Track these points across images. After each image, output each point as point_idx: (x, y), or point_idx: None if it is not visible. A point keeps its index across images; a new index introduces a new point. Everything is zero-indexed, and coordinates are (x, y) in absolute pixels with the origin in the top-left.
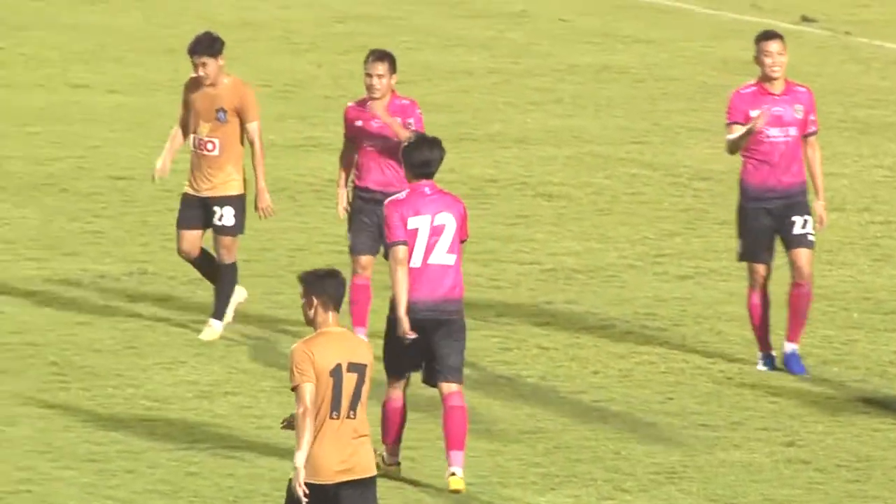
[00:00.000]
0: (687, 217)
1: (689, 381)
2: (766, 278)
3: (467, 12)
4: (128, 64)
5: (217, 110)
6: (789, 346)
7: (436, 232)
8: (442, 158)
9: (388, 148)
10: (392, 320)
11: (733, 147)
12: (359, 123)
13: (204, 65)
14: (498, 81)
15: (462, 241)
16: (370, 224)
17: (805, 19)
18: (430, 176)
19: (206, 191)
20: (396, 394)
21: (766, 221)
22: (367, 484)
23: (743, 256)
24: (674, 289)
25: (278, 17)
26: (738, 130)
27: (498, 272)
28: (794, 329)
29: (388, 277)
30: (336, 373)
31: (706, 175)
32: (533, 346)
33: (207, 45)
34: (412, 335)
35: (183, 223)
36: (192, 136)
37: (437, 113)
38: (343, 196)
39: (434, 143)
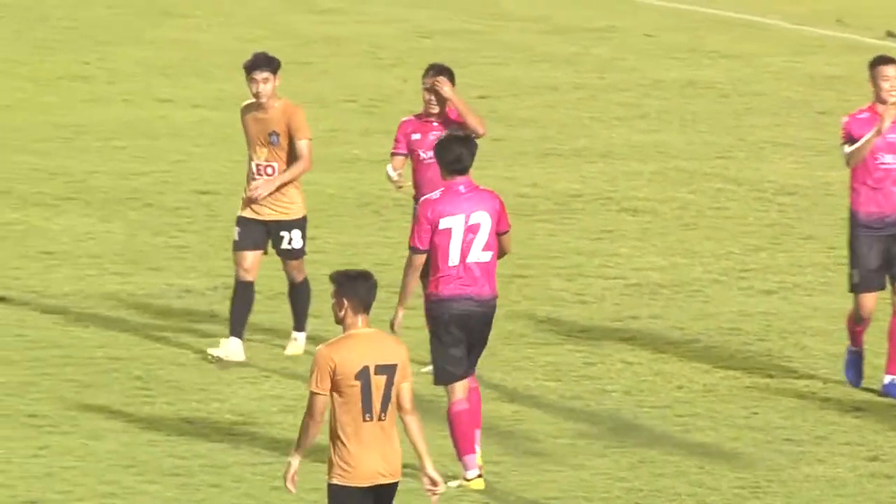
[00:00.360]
0: (772, 232)
1: (773, 396)
2: (873, 310)
3: (553, 28)
4: (211, 79)
5: (270, 134)
6: (888, 378)
7: (471, 230)
8: (474, 154)
9: None
10: (435, 333)
11: (857, 156)
12: (416, 136)
13: (266, 80)
14: (583, 97)
15: (503, 233)
16: None
17: (890, 35)
18: (463, 172)
19: (269, 216)
20: (458, 397)
21: (879, 249)
22: (394, 488)
23: (857, 287)
24: (758, 304)
25: (364, 32)
26: (858, 142)
27: (583, 287)
28: (895, 360)
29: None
30: (363, 375)
31: (791, 190)
32: (617, 361)
33: (267, 62)
34: (398, 329)
35: (246, 245)
36: (250, 162)
37: (522, 128)
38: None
39: (465, 140)
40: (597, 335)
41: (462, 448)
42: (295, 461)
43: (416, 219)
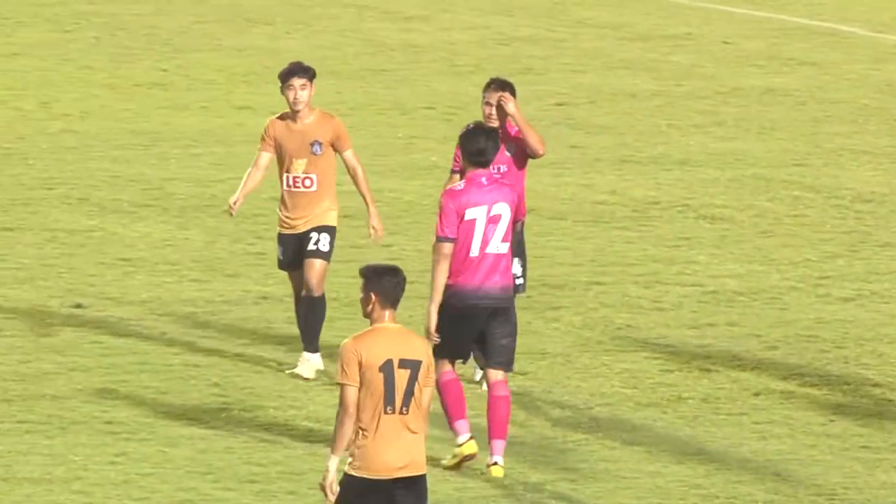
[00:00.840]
0: (849, 239)
1: (850, 403)
2: None
3: (631, 35)
4: None
5: (311, 144)
6: None
7: (492, 221)
8: (497, 148)
9: (512, 177)
10: (447, 318)
11: None
12: None
13: (303, 87)
14: (661, 104)
15: (518, 221)
16: None
17: None
18: (485, 165)
19: (305, 226)
20: (447, 369)
21: None
22: (420, 482)
23: None
24: (836, 311)
25: (442, 39)
26: None
27: (660, 294)
28: None
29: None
30: (386, 368)
31: (868, 197)
32: (694, 368)
33: (304, 69)
34: (436, 339)
35: (289, 265)
36: (285, 175)
37: (599, 135)
38: None
39: (490, 133)
40: (674, 342)
41: (452, 414)
42: (333, 464)
43: (441, 209)
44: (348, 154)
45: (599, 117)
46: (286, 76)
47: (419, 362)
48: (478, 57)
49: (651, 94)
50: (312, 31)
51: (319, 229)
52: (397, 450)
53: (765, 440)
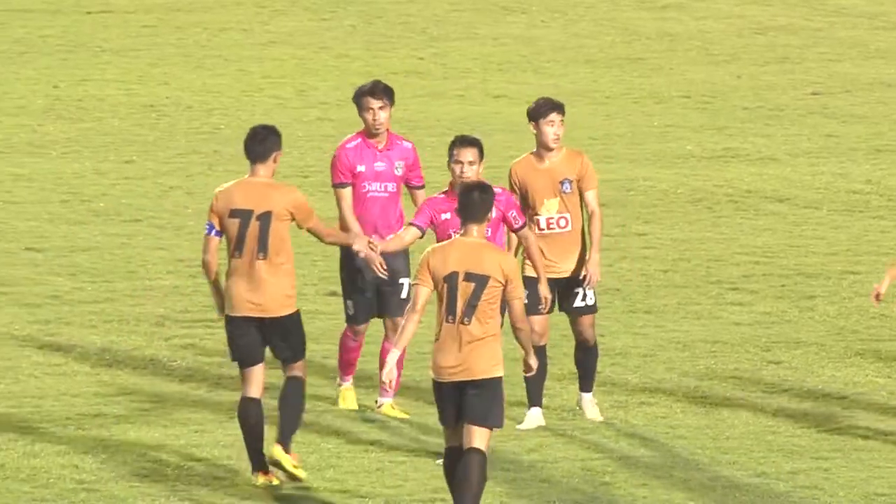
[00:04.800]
0: None
1: None
2: None
3: (888, 24)
4: (547, 75)
5: (561, 182)
6: None
7: None
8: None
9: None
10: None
11: None
12: (446, 217)
13: (562, 122)
14: None
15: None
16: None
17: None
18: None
19: (564, 272)
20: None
21: None
22: (484, 384)
23: None
24: None
25: (698, 28)
26: None
27: None
28: None
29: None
30: (450, 279)
31: None
32: None
33: (561, 106)
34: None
35: (543, 309)
36: (535, 218)
37: (854, 124)
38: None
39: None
40: None
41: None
42: (391, 357)
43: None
44: (590, 195)
45: (855, 107)
46: (547, 111)
47: (486, 277)
48: (733, 46)
49: None
50: (569, 20)
51: (581, 281)
52: (452, 355)
53: None
